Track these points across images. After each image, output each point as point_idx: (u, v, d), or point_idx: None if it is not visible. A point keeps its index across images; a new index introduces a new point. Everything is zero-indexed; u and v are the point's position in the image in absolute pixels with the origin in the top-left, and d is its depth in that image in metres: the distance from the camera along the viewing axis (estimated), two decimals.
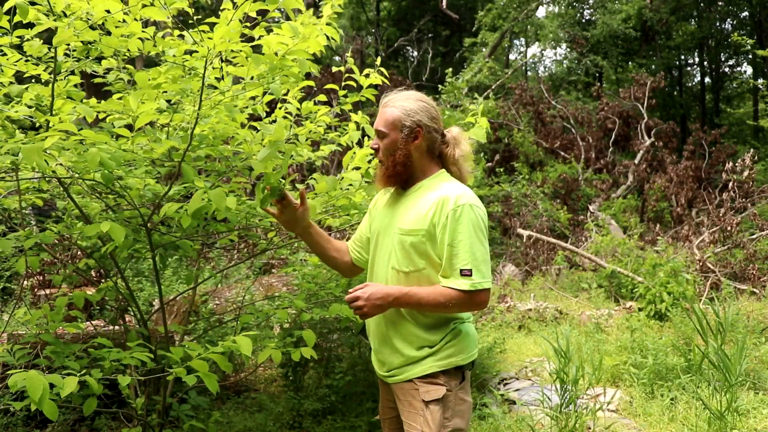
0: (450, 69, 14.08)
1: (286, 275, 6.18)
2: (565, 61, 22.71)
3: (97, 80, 2.63)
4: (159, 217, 2.17)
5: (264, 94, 2.46)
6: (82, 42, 2.17)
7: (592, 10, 20.62)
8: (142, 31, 2.00)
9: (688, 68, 23.82)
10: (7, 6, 1.82)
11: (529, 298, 7.41)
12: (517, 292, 7.81)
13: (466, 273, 1.75)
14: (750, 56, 19.30)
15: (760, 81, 17.39)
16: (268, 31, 2.02)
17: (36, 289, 4.92)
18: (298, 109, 2.80)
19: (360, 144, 2.83)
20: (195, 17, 2.08)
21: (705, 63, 22.69)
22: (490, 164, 12.46)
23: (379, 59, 3.07)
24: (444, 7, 19.38)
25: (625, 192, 12.44)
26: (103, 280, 3.28)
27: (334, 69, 2.92)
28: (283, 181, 2.06)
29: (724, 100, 23.10)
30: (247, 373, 4.40)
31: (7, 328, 3.43)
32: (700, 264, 7.64)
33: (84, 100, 2.36)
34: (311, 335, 2.30)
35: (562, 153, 13.59)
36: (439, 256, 1.81)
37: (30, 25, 2.02)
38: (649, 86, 14.13)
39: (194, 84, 2.12)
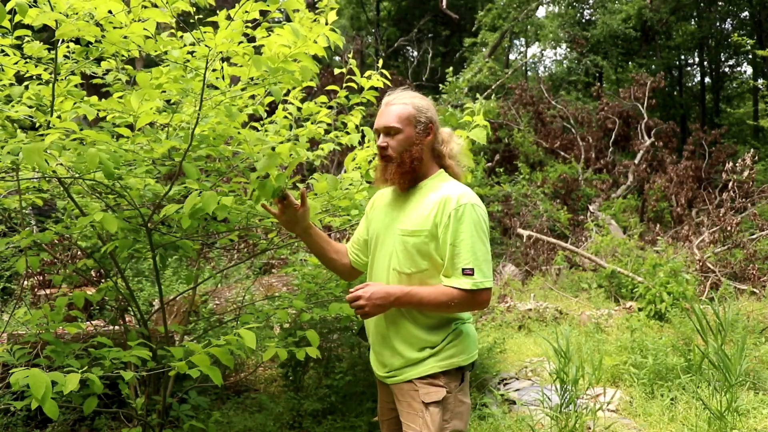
0: (451, 69, 14.08)
1: (286, 275, 6.18)
2: (565, 61, 22.71)
3: (95, 81, 2.63)
4: (159, 217, 2.17)
5: (266, 94, 2.46)
6: (80, 44, 2.17)
7: (592, 10, 20.62)
8: (144, 30, 2.00)
9: (688, 68, 23.83)
10: (8, 6, 1.82)
11: (529, 298, 7.41)
12: (517, 292, 7.81)
13: (468, 272, 1.76)
14: (750, 56, 19.30)
15: (760, 81, 17.40)
16: (269, 31, 2.02)
17: (36, 289, 4.92)
18: (299, 109, 2.80)
19: (360, 144, 2.83)
20: (196, 17, 2.08)
21: (705, 63, 22.69)
22: (490, 164, 12.47)
23: (381, 61, 3.07)
24: (444, 7, 19.38)
25: (625, 192, 12.44)
26: (103, 280, 3.29)
27: (336, 71, 2.91)
28: (287, 180, 2.05)
29: (724, 100, 23.10)
30: (247, 373, 4.40)
31: (7, 328, 3.43)
32: (700, 264, 7.64)
33: (84, 99, 2.36)
34: (314, 335, 2.30)
35: (562, 153, 13.59)
36: (441, 256, 1.81)
37: (31, 26, 2.02)
38: (649, 86, 14.13)
39: (195, 84, 2.12)
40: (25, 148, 1.66)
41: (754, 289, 7.06)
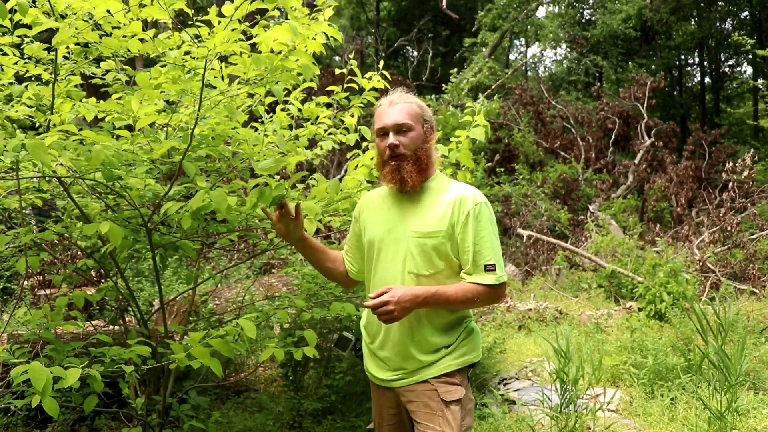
0: (455, 69, 14.08)
1: (286, 275, 6.18)
2: (565, 61, 22.72)
3: (94, 81, 2.63)
4: (159, 217, 2.17)
5: (266, 94, 2.46)
6: (79, 44, 2.17)
7: (592, 10, 20.62)
8: (143, 32, 2.00)
9: (688, 68, 23.83)
10: (8, 5, 1.82)
11: (529, 298, 7.41)
12: (517, 292, 7.81)
13: (490, 268, 1.80)
14: (750, 56, 19.29)
15: (760, 81, 17.40)
16: (266, 29, 2.02)
17: (36, 289, 4.93)
18: (299, 110, 2.80)
19: (358, 145, 2.83)
20: (194, 17, 2.08)
21: (705, 63, 22.69)
22: (490, 164, 12.47)
23: (381, 62, 3.07)
24: (444, 7, 19.38)
25: (625, 192, 12.44)
26: (103, 280, 3.29)
27: (337, 72, 2.91)
28: (286, 189, 2.04)
29: (724, 100, 23.09)
30: (247, 373, 4.40)
31: (7, 328, 3.43)
32: (700, 264, 7.64)
33: (83, 100, 2.36)
34: (313, 335, 2.30)
35: (562, 153, 13.59)
36: (455, 254, 1.83)
37: (30, 25, 2.02)
38: (649, 86, 14.12)
39: (194, 85, 2.12)
40: (30, 144, 1.66)
41: (754, 289, 7.06)
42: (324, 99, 2.88)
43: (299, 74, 2.14)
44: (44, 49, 2.36)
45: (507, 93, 15.31)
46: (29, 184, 2.40)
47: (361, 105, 2.87)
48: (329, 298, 3.30)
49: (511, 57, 25.24)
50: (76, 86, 2.37)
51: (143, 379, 3.02)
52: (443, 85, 13.83)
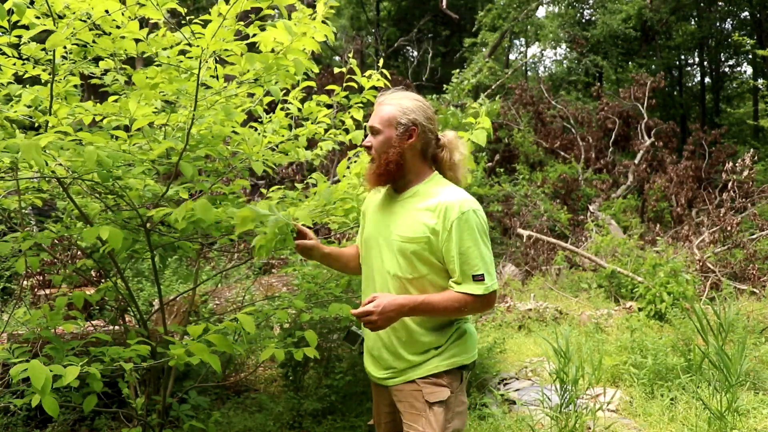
0: (457, 70, 14.07)
1: (286, 275, 6.18)
2: (565, 61, 22.72)
3: (93, 81, 2.63)
4: (158, 216, 2.17)
5: (264, 94, 2.46)
6: (77, 44, 2.16)
7: (592, 10, 20.61)
8: (137, 31, 1.99)
9: (688, 68, 23.82)
10: (6, 6, 1.82)
11: (529, 298, 7.41)
12: (517, 292, 7.80)
13: (478, 278, 1.77)
14: (750, 56, 19.29)
15: (760, 81, 17.38)
16: (262, 29, 2.01)
17: (36, 289, 4.92)
18: (299, 110, 2.80)
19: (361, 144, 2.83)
20: (188, 17, 2.08)
21: (705, 63, 22.68)
22: (490, 164, 12.46)
23: (381, 61, 3.06)
24: (444, 7, 19.37)
25: (625, 192, 12.43)
26: (102, 280, 3.29)
27: (336, 71, 2.91)
28: (294, 223, 2.04)
29: (724, 100, 23.09)
30: (247, 373, 4.40)
31: (7, 328, 3.43)
32: (700, 264, 7.64)
33: (82, 102, 2.36)
34: (313, 335, 2.30)
35: (562, 153, 13.58)
36: (440, 260, 1.81)
37: (28, 26, 2.02)
38: (649, 86, 14.12)
39: (189, 85, 2.12)
40: (23, 144, 1.65)
41: (754, 289, 7.05)
42: (324, 99, 2.88)
43: (295, 73, 2.13)
44: (42, 50, 2.36)
45: (507, 93, 15.32)
46: (29, 185, 2.40)
47: (361, 104, 2.87)
48: (329, 299, 3.29)
49: (511, 57, 25.26)
50: (75, 86, 2.37)
51: (143, 379, 3.02)
52: (443, 85, 13.82)
